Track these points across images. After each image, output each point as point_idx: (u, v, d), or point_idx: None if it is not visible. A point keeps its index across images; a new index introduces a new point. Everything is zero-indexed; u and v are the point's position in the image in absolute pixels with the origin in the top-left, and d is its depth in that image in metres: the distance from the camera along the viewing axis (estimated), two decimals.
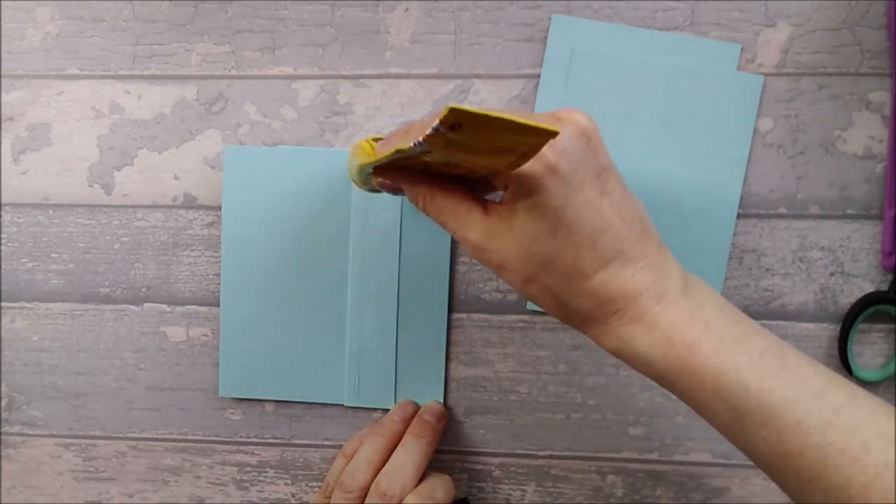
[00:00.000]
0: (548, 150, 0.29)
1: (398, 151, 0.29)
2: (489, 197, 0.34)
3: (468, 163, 0.30)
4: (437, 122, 0.25)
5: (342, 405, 0.46)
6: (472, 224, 0.32)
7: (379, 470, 0.41)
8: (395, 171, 0.34)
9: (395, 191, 0.37)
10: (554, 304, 0.32)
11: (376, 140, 0.35)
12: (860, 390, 0.30)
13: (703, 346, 0.30)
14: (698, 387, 0.30)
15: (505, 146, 0.28)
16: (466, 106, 0.25)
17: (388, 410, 0.45)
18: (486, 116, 0.25)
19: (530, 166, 0.29)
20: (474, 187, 0.34)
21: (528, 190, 0.30)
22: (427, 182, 0.33)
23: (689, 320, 0.31)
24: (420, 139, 0.27)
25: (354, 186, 0.44)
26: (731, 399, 0.30)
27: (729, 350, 0.30)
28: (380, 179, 0.36)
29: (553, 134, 0.26)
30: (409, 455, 0.41)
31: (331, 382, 0.46)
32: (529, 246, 0.31)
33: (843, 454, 0.28)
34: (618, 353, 0.32)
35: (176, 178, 0.46)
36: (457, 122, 0.26)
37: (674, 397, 0.44)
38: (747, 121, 0.43)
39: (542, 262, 0.31)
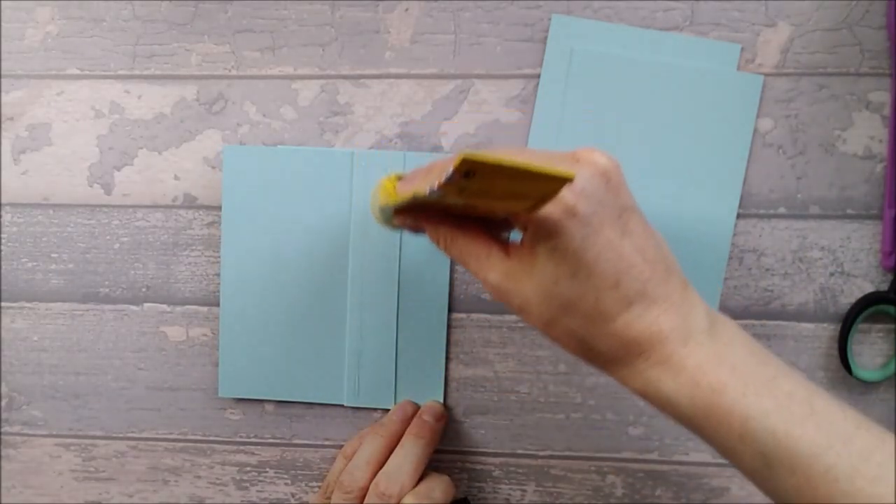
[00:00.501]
0: (567, 192, 0.29)
1: (415, 197, 0.30)
2: (512, 235, 0.34)
3: (486, 206, 0.30)
4: (450, 169, 0.25)
5: (342, 405, 0.46)
6: (493, 266, 0.32)
7: (378, 470, 0.41)
8: (416, 213, 0.34)
9: (416, 230, 0.36)
10: (578, 346, 0.32)
11: (399, 178, 0.34)
12: (888, 435, 0.30)
13: (729, 390, 0.30)
14: (725, 431, 0.30)
15: (521, 191, 0.28)
16: (480, 154, 0.25)
17: (388, 410, 0.46)
18: (500, 164, 0.25)
19: (548, 209, 0.29)
20: (495, 227, 0.34)
21: (547, 233, 0.30)
22: (448, 223, 0.33)
23: (716, 363, 0.30)
24: (435, 186, 0.27)
25: (354, 189, 0.44)
26: (757, 444, 0.29)
27: (756, 394, 0.30)
28: (401, 219, 0.36)
29: (568, 180, 0.26)
30: (408, 455, 0.41)
31: (331, 382, 0.46)
32: (551, 289, 0.30)
33: (872, 501, 0.28)
34: (643, 395, 0.31)
35: (176, 178, 0.46)
36: (470, 170, 0.26)
37: None
38: (747, 121, 0.43)
39: (564, 304, 0.31)
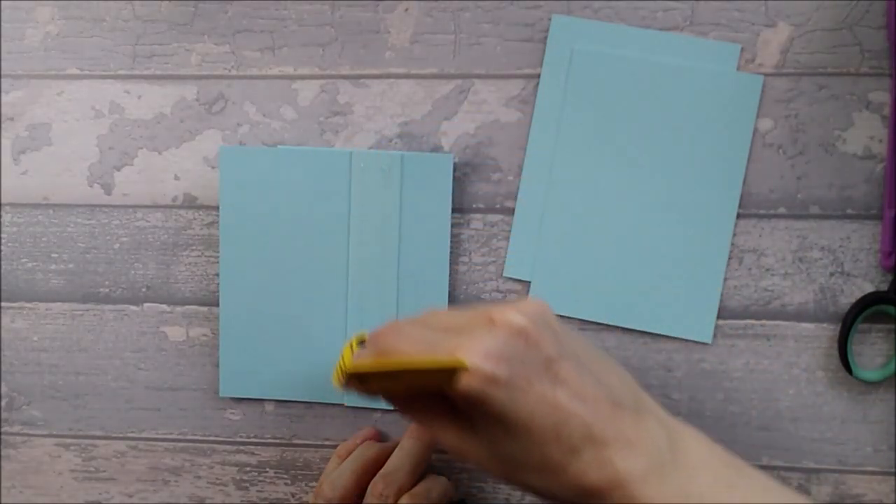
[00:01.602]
0: (484, 362, 0.28)
1: (338, 386, 0.33)
2: None
3: (406, 389, 0.32)
4: (344, 378, 0.28)
5: (342, 405, 0.46)
6: (446, 429, 0.32)
7: (360, 482, 0.41)
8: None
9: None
10: (543, 495, 0.32)
11: (361, 342, 0.34)
12: None
13: None
14: None
15: (424, 381, 0.29)
16: (362, 363, 0.27)
17: (388, 410, 0.45)
18: (383, 369, 0.27)
19: (469, 382, 0.29)
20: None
21: (473, 403, 0.29)
22: (398, 396, 0.33)
23: (683, 497, 0.29)
24: (343, 384, 0.31)
25: (353, 189, 0.44)
26: None
27: None
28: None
29: (459, 367, 0.27)
30: (407, 456, 0.41)
31: (331, 382, 0.46)
32: (495, 449, 0.31)
33: None
34: None
35: (176, 178, 0.46)
36: (362, 376, 0.28)
37: (673, 397, 0.45)
38: (747, 121, 0.43)
39: (512, 462, 0.30)
